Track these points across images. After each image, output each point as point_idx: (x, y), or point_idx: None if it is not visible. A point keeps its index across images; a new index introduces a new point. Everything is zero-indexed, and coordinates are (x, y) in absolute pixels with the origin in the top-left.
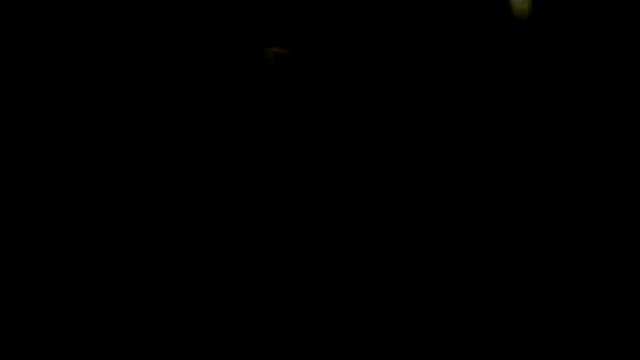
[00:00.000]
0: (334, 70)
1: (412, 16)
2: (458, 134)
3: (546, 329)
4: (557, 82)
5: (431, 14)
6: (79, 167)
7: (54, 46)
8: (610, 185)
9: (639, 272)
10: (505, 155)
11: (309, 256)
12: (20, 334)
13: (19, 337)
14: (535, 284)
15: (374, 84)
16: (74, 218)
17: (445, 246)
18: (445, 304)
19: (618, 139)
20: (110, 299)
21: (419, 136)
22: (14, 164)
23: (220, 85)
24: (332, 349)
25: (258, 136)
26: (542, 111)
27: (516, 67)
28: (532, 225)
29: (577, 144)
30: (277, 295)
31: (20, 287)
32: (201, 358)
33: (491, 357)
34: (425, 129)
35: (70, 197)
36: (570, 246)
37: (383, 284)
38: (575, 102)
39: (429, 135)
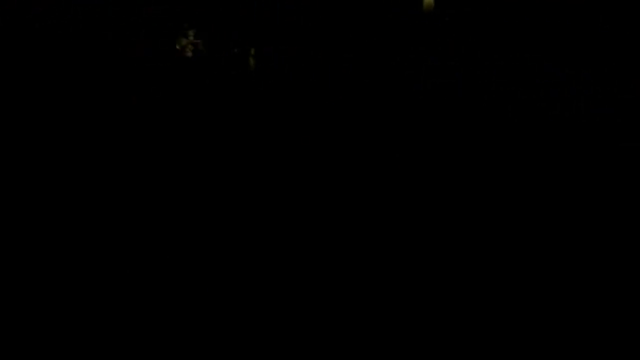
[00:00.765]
0: (334, 70)
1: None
2: (457, 133)
3: (546, 327)
4: (557, 82)
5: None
6: (79, 166)
7: (54, 46)
8: (610, 184)
9: (639, 272)
10: (505, 154)
11: (307, 256)
12: (20, 333)
13: (19, 336)
14: (535, 282)
15: (372, 83)
16: (74, 217)
17: (445, 245)
18: (444, 303)
19: (618, 139)
20: (110, 298)
21: (417, 135)
22: (14, 163)
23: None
24: (332, 349)
25: (258, 136)
26: (542, 111)
27: (516, 67)
28: (532, 223)
29: (577, 144)
30: (276, 294)
31: (21, 287)
32: (201, 358)
33: (491, 357)
34: (423, 128)
35: (70, 196)
36: (570, 245)
37: (383, 283)
38: (575, 102)
39: (428, 134)
